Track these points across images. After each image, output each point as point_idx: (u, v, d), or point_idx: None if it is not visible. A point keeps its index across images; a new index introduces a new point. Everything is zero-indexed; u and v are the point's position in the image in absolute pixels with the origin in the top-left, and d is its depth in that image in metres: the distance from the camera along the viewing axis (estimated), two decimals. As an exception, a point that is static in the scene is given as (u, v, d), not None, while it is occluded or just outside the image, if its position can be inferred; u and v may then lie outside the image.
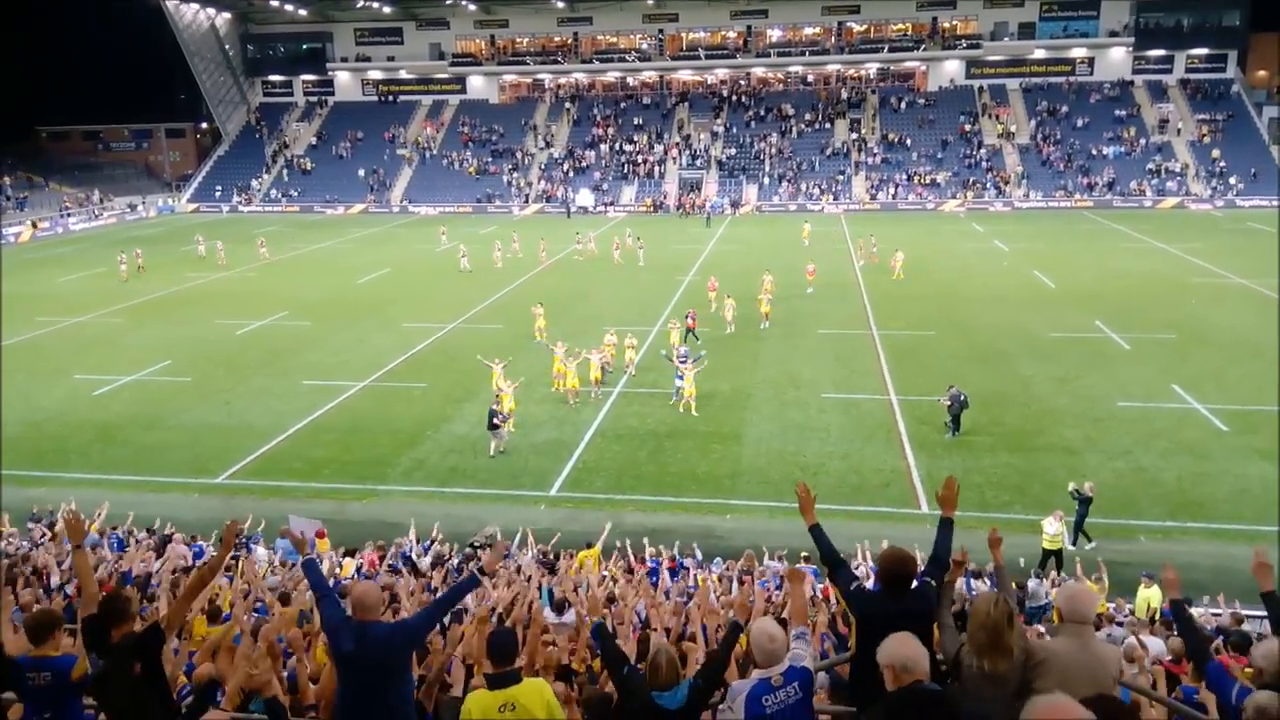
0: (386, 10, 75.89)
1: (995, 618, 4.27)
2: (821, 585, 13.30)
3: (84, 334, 32.88)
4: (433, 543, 15.53)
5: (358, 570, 14.02)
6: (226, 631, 7.53)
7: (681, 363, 23.41)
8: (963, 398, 20.82)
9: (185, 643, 8.43)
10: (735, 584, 12.99)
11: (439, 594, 5.93)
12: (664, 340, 27.92)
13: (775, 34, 76.19)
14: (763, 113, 74.93)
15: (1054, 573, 14.67)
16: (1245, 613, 12.62)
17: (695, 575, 13.86)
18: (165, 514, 17.38)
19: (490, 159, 73.63)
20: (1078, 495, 16.25)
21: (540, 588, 11.95)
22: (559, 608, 11.13)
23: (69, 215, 66.75)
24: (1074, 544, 16.12)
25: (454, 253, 44.97)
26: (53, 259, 51.15)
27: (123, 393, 25.90)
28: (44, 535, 15.49)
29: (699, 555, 15.19)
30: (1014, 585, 13.49)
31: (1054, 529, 15.47)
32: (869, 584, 5.93)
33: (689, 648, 7.28)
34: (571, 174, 71.32)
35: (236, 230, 55.97)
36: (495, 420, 20.32)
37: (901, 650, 4.23)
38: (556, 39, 77.96)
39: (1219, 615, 12.26)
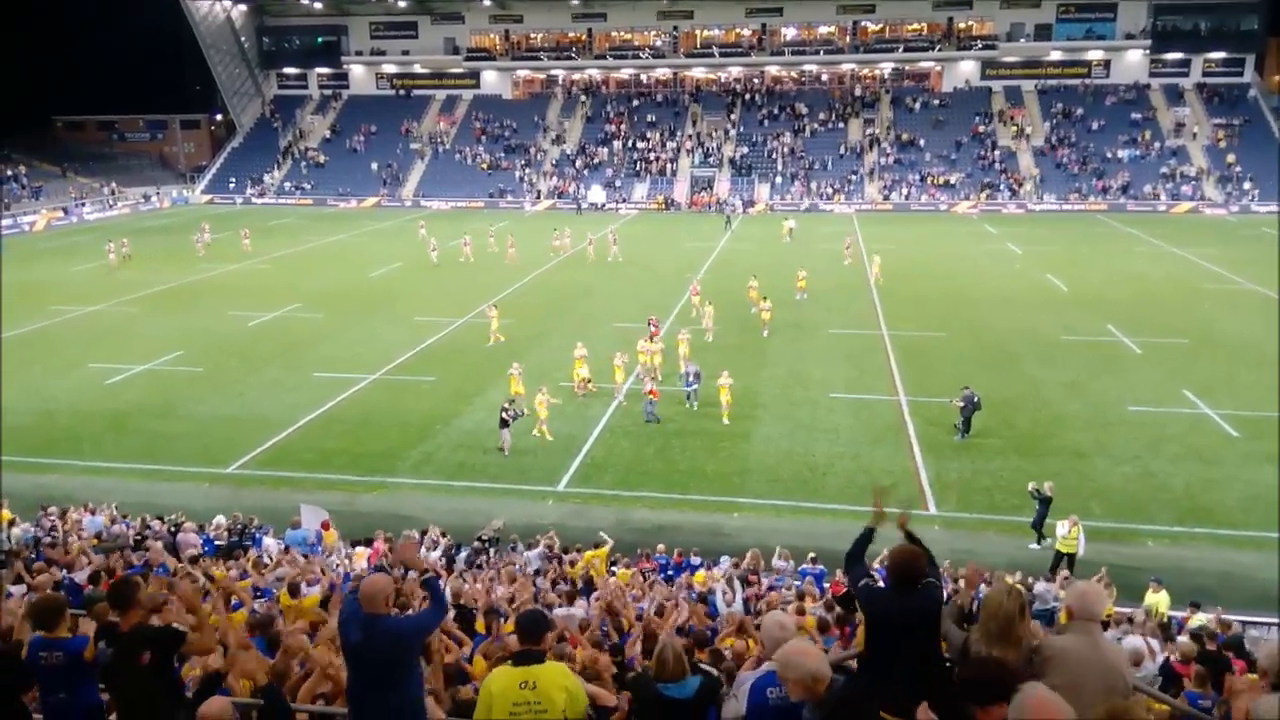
0: (401, 4, 76.06)
1: (1009, 608, 4.31)
2: (828, 584, 13.33)
3: (97, 323, 33.09)
4: (443, 535, 15.65)
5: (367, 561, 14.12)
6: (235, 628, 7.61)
7: (691, 376, 23.22)
8: (976, 399, 20.81)
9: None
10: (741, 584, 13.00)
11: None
12: (671, 343, 27.66)
13: (790, 33, 75.93)
14: (776, 111, 74.76)
15: (1063, 574, 14.65)
16: (1250, 619, 12.60)
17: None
18: (176, 503, 17.58)
19: (503, 154, 73.71)
20: (1037, 495, 16.39)
21: None
22: (568, 599, 11.18)
23: (83, 205, 67.14)
24: (1038, 544, 16.31)
25: (460, 248, 44.98)
26: (66, 248, 51.46)
27: (135, 382, 26.07)
28: (53, 526, 15.58)
29: (699, 559, 15.16)
30: (1019, 588, 13.56)
31: (1065, 530, 15.45)
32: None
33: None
34: (584, 170, 71.35)
35: (246, 222, 55.83)
36: (505, 416, 20.28)
37: (808, 665, 4.17)
38: (571, 35, 77.91)
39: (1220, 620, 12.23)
